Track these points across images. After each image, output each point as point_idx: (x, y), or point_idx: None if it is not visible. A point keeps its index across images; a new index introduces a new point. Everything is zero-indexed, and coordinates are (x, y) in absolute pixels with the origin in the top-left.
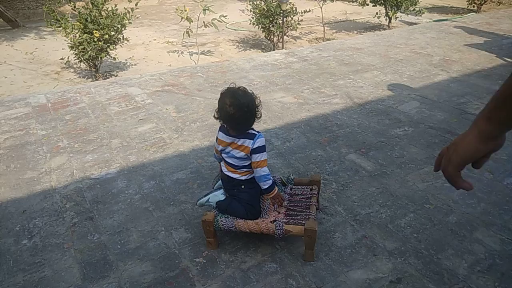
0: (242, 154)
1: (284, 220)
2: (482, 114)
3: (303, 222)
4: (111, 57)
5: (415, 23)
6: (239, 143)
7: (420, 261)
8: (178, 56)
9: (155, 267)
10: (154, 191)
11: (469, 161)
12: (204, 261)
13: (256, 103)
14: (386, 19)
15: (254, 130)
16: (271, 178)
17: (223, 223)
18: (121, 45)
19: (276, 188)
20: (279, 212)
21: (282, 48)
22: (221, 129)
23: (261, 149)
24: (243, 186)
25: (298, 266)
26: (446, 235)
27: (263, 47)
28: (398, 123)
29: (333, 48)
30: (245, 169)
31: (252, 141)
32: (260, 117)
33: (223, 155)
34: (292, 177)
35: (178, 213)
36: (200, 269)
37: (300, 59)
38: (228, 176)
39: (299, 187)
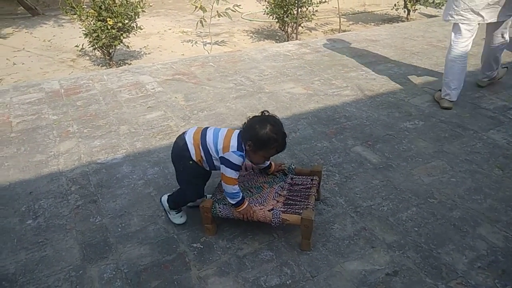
0: (220, 147)
1: (281, 209)
2: None
3: (301, 211)
4: (125, 45)
5: (435, 16)
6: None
7: (419, 255)
8: (192, 46)
9: (153, 251)
10: (158, 177)
11: None
12: (201, 247)
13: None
14: (404, 11)
15: (242, 146)
16: (238, 195)
17: (220, 209)
18: (134, 34)
19: (246, 202)
20: (277, 201)
21: (296, 39)
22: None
23: (228, 164)
24: (191, 162)
25: (294, 255)
26: (448, 230)
27: (277, 38)
28: (408, 116)
29: (347, 40)
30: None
31: (228, 152)
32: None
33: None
34: (293, 166)
35: None
36: (196, 254)
37: (313, 50)
38: (186, 144)
39: (300, 177)
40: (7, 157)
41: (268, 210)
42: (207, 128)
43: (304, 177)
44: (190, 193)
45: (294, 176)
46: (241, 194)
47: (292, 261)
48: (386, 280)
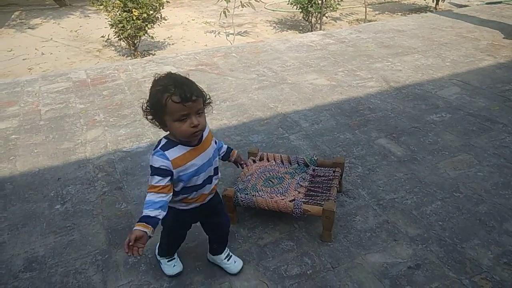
0: None
1: (303, 200)
2: None
3: (322, 203)
4: (149, 36)
5: (465, 6)
6: None
7: (442, 249)
8: (215, 36)
9: None
10: None
11: None
12: None
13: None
14: (433, 1)
15: (166, 141)
16: (147, 207)
17: (242, 199)
18: (159, 24)
19: (142, 228)
20: (299, 192)
21: (320, 29)
22: None
23: (150, 168)
24: None
25: (315, 246)
26: (474, 224)
27: (300, 28)
28: (435, 108)
29: (373, 30)
30: None
31: (153, 152)
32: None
33: None
34: (315, 158)
35: None
36: None
37: (337, 41)
38: None
39: (322, 168)
40: (36, 144)
41: (290, 201)
42: None
43: (326, 168)
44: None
45: (316, 168)
46: (148, 212)
47: (313, 252)
48: (408, 273)
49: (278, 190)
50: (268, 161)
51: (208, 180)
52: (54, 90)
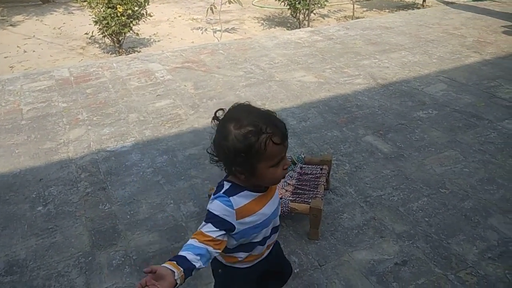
0: None
1: (290, 198)
2: None
3: (310, 200)
4: (135, 32)
5: (452, 2)
6: None
7: (428, 245)
8: (202, 33)
9: (162, 238)
10: (166, 165)
11: None
12: None
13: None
14: None
15: (231, 185)
16: (183, 251)
17: None
18: (144, 21)
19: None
20: (286, 190)
21: (308, 26)
22: None
23: (207, 215)
24: (220, 270)
25: (302, 244)
26: (459, 220)
27: (288, 25)
28: (422, 105)
29: (361, 27)
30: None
31: (213, 196)
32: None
33: None
34: (303, 156)
35: (188, 187)
36: None
37: (325, 38)
38: None
39: (309, 166)
40: (17, 144)
41: None
42: None
43: (314, 166)
44: None
45: (304, 165)
46: (185, 253)
47: (300, 250)
48: (395, 269)
49: None
50: None
51: (269, 235)
52: (36, 88)
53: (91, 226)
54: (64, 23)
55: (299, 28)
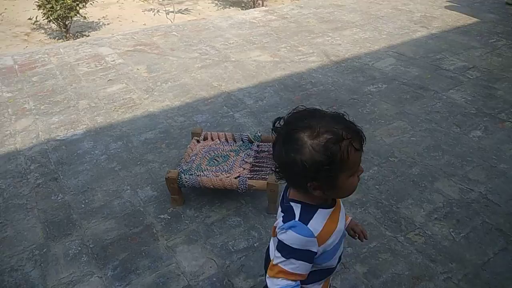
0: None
1: (248, 176)
2: None
3: (267, 177)
4: (82, 16)
5: None
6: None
7: (379, 210)
8: (154, 15)
9: (119, 224)
10: (121, 151)
11: None
12: (169, 217)
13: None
14: None
15: (304, 210)
16: None
17: (186, 180)
18: (91, 3)
19: None
20: (244, 169)
21: (262, 5)
22: None
23: (284, 247)
24: None
25: (261, 219)
26: (408, 186)
27: (243, 5)
28: (372, 80)
29: (314, 5)
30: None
31: (283, 224)
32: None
33: None
34: (259, 134)
35: (145, 172)
36: (164, 225)
37: (279, 17)
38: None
39: (266, 144)
40: None
41: (235, 178)
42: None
43: (270, 143)
44: None
45: (261, 143)
46: None
47: (259, 225)
48: (348, 236)
49: (224, 168)
50: (213, 140)
51: (340, 255)
52: None
53: (44, 217)
54: (5, 8)
55: (254, 7)
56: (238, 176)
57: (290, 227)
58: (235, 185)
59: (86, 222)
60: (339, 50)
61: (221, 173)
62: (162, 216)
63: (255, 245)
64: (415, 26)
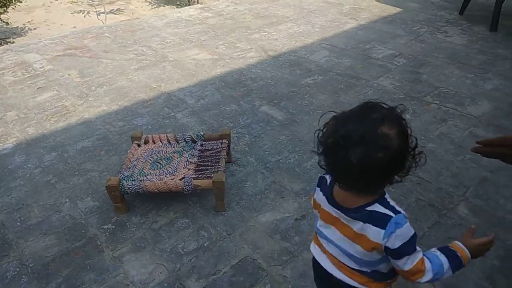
0: (359, 249)
1: (193, 176)
2: None
3: (212, 175)
4: (4, 21)
5: None
6: (353, 226)
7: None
8: (84, 16)
9: (60, 240)
10: (57, 162)
11: None
12: (113, 227)
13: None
14: None
15: (384, 204)
16: (446, 270)
17: (129, 186)
18: (14, 7)
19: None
20: (189, 169)
21: (197, 3)
22: (320, 181)
23: (408, 247)
24: None
25: (210, 218)
26: None
27: (178, 3)
28: (308, 72)
29: (249, 1)
30: (368, 270)
31: (381, 230)
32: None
33: (319, 237)
34: (202, 133)
35: (84, 182)
36: (108, 235)
37: (215, 14)
38: (330, 275)
39: (210, 142)
40: None
41: (180, 179)
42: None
43: (214, 142)
44: None
45: (204, 142)
46: (441, 263)
47: (208, 224)
48: (295, 224)
49: (168, 170)
50: (154, 143)
51: None
52: None
53: None
54: None
55: (189, 5)
56: (183, 177)
57: (396, 227)
58: (180, 187)
59: (23, 240)
60: (276, 45)
61: (165, 176)
62: (105, 226)
63: (205, 244)
64: (345, 18)
